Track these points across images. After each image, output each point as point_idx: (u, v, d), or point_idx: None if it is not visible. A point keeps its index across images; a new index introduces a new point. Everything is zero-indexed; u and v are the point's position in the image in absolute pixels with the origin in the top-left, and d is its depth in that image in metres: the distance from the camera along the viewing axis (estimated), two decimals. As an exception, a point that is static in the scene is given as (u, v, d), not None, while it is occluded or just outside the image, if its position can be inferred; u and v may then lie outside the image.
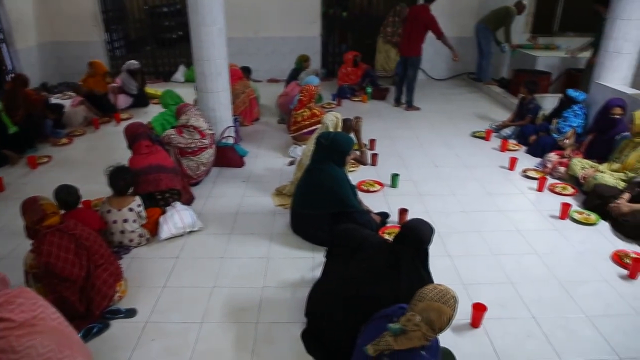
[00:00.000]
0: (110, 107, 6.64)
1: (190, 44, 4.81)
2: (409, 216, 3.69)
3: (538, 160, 5.00)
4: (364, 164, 4.55)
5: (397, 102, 7.21)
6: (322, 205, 3.38)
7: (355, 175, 4.58)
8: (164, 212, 3.65)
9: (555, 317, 2.82)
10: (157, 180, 3.68)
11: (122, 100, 6.96)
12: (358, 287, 2.38)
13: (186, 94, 5.75)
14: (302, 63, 7.26)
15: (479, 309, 2.69)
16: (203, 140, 4.38)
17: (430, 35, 6.69)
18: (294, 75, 7.10)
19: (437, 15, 6.69)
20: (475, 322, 2.72)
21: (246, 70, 7.06)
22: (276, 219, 3.89)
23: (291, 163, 4.84)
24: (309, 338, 2.61)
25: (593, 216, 3.88)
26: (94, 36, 8.68)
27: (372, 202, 4.00)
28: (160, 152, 3.92)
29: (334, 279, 2.57)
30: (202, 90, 4.96)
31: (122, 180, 3.38)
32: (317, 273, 2.90)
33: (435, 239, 3.50)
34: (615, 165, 4.25)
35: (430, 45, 8.18)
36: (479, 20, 8.02)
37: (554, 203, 4.07)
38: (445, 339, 2.53)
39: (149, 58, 9.24)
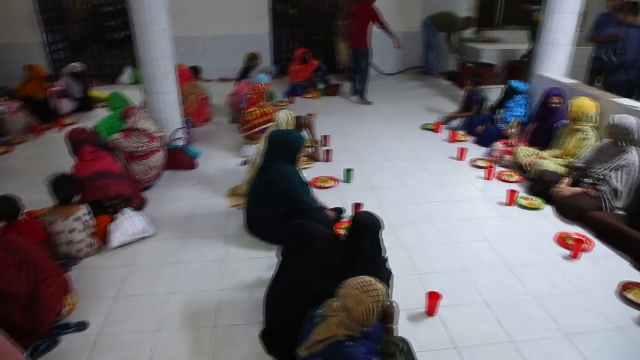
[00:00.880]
0: (51, 113, 6.35)
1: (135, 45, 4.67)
2: (365, 210, 3.73)
3: (485, 149, 5.18)
4: (317, 160, 4.57)
5: (354, 92, 7.37)
6: (275, 204, 3.37)
7: (310, 171, 4.59)
8: (113, 220, 3.53)
9: (505, 300, 2.93)
10: (105, 186, 3.55)
11: (66, 105, 6.67)
12: (312, 284, 2.39)
13: (134, 96, 5.57)
14: (250, 61, 7.19)
15: (433, 298, 2.76)
16: (152, 144, 4.27)
17: (378, 31, 6.85)
18: (244, 73, 7.02)
19: (384, 11, 6.88)
20: (430, 311, 2.78)
21: (195, 70, 6.92)
22: (230, 220, 3.84)
23: (244, 163, 4.79)
24: (268, 338, 2.60)
25: (538, 201, 4.06)
26: (31, 38, 8.27)
27: (327, 198, 4.02)
28: (106, 158, 3.78)
29: (289, 277, 2.57)
30: (149, 91, 4.83)
31: (64, 189, 3.23)
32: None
33: (389, 230, 3.63)
34: (556, 152, 4.46)
35: (379, 40, 8.30)
36: (426, 17, 8.19)
37: (501, 190, 4.21)
38: (402, 329, 2.59)
39: (93, 60, 8.89)
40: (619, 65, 5.54)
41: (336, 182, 4.41)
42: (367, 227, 2.39)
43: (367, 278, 1.91)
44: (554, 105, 4.71)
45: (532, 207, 4.00)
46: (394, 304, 2.05)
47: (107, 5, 9.60)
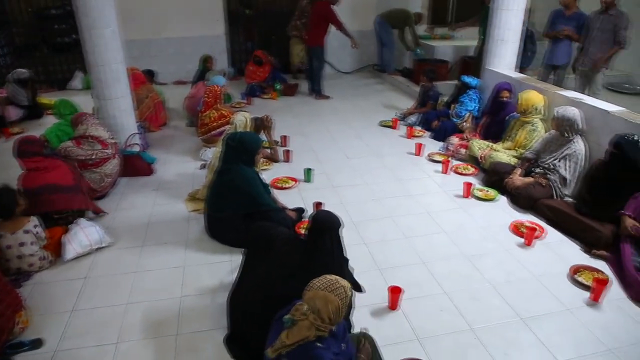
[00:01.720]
0: (-3, 121, 6.06)
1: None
2: (324, 208, 3.76)
3: (441, 144, 5.31)
4: (276, 161, 4.56)
5: (320, 94, 7.42)
6: (235, 207, 3.34)
7: (269, 173, 4.58)
8: (67, 231, 3.41)
9: (464, 290, 3.02)
10: (51, 201, 3.41)
11: (12, 113, 6.37)
12: (274, 286, 2.39)
13: (85, 102, 5.40)
14: (205, 63, 7.08)
15: (395, 292, 2.81)
16: (105, 151, 4.15)
17: (335, 29, 6.94)
18: (200, 76, 6.91)
19: (339, 10, 6.95)
20: (392, 305, 2.83)
21: (149, 74, 6.77)
22: (191, 225, 3.78)
23: (203, 166, 4.73)
24: (232, 343, 2.58)
25: (492, 192, 4.20)
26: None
27: (288, 199, 4.02)
28: (58, 169, 3.62)
29: (251, 280, 2.55)
30: (100, 97, 4.68)
31: (2, 203, 3.07)
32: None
33: (350, 228, 3.67)
34: (508, 144, 4.63)
35: (335, 39, 8.35)
36: (379, 14, 8.30)
37: (458, 183, 4.33)
38: (365, 324, 2.63)
39: (40, 65, 8.52)
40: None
41: (296, 182, 4.41)
42: (326, 226, 2.40)
43: (331, 277, 1.93)
44: (504, 99, 4.88)
45: (488, 198, 4.13)
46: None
47: (55, 8, 9.23)
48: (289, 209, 3.71)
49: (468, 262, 3.31)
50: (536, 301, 2.93)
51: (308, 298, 1.87)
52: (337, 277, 1.93)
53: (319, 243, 2.39)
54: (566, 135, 3.99)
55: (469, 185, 4.17)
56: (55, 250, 3.32)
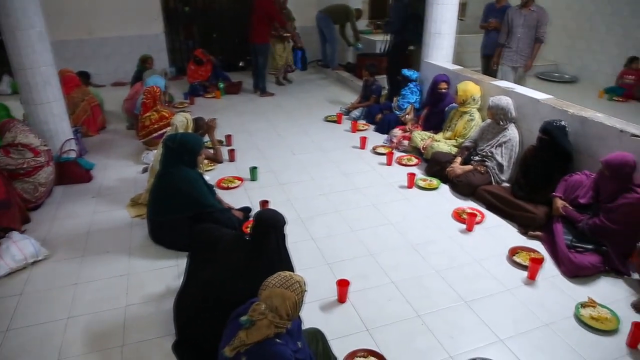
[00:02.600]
0: None
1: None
2: (271, 206, 3.74)
3: (385, 136, 5.42)
4: (220, 161, 4.50)
5: (264, 92, 7.37)
6: (178, 209, 3.26)
7: (214, 173, 4.51)
8: (-2, 245, 3.22)
9: (411, 278, 3.10)
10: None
11: None
12: (221, 288, 2.36)
13: (16, 107, 5.09)
14: (143, 64, 6.86)
15: (342, 285, 2.84)
16: (37, 159, 3.93)
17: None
18: (138, 76, 6.68)
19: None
20: (341, 298, 2.86)
21: (84, 76, 6.48)
22: (134, 232, 3.66)
23: (144, 170, 4.59)
24: (181, 349, 2.52)
25: (435, 181, 4.33)
26: None
27: (234, 199, 3.98)
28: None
29: (197, 284, 2.51)
30: (29, 102, 4.43)
31: None
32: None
33: (298, 224, 3.68)
34: (448, 134, 4.78)
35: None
36: (319, 10, 8.33)
37: (402, 174, 4.44)
38: (315, 318, 2.65)
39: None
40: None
41: (242, 182, 4.37)
42: (270, 224, 2.39)
43: (285, 273, 1.92)
44: (442, 90, 5.03)
45: (430, 187, 4.26)
46: None
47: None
48: (235, 209, 3.67)
49: (413, 250, 3.40)
50: (478, 284, 3.05)
51: (265, 297, 1.85)
52: (291, 273, 1.94)
53: (264, 242, 2.38)
54: (501, 123, 4.17)
55: (412, 175, 4.28)
56: (-14, 267, 3.12)
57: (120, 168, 4.82)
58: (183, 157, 3.28)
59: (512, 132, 4.13)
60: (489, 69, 6.41)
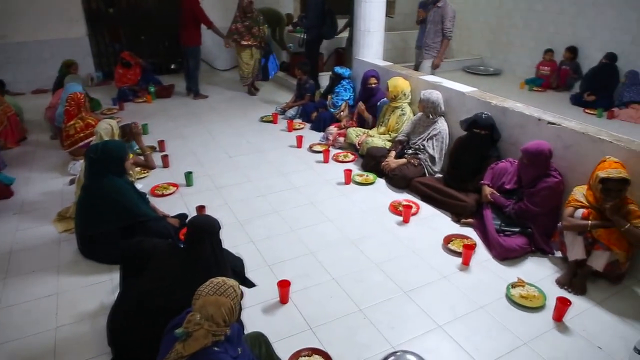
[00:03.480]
0: None
1: None
2: (208, 211, 3.67)
3: (321, 134, 5.46)
4: (152, 167, 4.34)
5: (197, 94, 7.17)
6: (109, 222, 3.12)
7: (147, 180, 4.36)
8: None
9: (351, 273, 3.14)
10: None
11: None
12: (158, 299, 2.28)
13: None
14: (65, 69, 6.48)
15: (283, 286, 2.83)
16: (-53, 176, 3.63)
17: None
18: (60, 83, 6.31)
19: (211, 8, 6.79)
20: (283, 299, 2.85)
21: (-2, 84, 6.04)
22: (63, 248, 3.46)
23: (72, 182, 4.34)
24: (118, 366, 2.42)
25: (371, 176, 4.42)
26: None
27: (170, 206, 3.86)
28: None
29: (132, 297, 2.41)
30: None
31: None
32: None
33: (237, 227, 3.63)
34: (381, 129, 4.89)
35: (209, 37, 8.13)
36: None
37: (339, 171, 4.48)
38: (257, 322, 2.64)
39: None
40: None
41: (177, 188, 4.24)
42: (204, 230, 2.34)
43: (218, 279, 1.88)
44: (372, 85, 5.13)
45: (367, 182, 4.34)
46: None
47: None
48: (170, 217, 3.56)
49: (352, 245, 3.45)
50: (416, 274, 3.14)
51: (199, 307, 1.80)
52: (223, 278, 1.89)
53: (200, 249, 2.33)
54: (431, 117, 4.31)
55: (349, 172, 4.34)
56: None
57: (44, 181, 4.53)
58: (109, 165, 3.13)
59: (441, 125, 4.29)
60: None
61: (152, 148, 5.04)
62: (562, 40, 7.62)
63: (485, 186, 3.62)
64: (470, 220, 3.68)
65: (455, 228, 3.67)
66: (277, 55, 8.74)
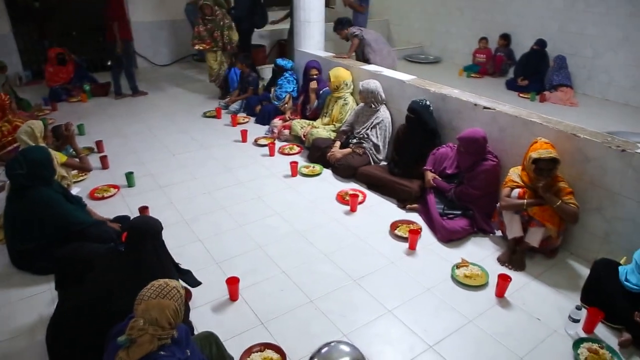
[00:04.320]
0: None
1: None
2: (152, 212, 3.56)
3: (266, 127, 5.41)
4: (89, 169, 4.13)
5: (119, 94, 6.75)
6: (43, 234, 2.93)
7: (85, 183, 4.16)
8: None
9: (301, 265, 3.14)
10: None
11: None
12: (100, 307, 2.19)
13: None
14: (0, 70, 6.08)
15: (232, 282, 2.80)
16: None
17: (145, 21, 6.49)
18: (-18, 84, 5.91)
19: (146, 2, 6.47)
20: (233, 296, 2.82)
21: None
22: (-7, 259, 3.25)
23: (1, 188, 4.08)
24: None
25: (317, 167, 4.43)
26: None
27: (111, 209, 3.71)
28: None
29: (71, 307, 2.30)
30: None
31: None
32: (55, 305, 2.55)
33: (183, 226, 3.55)
34: (326, 119, 4.91)
35: (145, 32, 7.89)
36: (188, 2, 8.02)
37: (285, 164, 4.47)
38: (208, 322, 2.60)
39: None
40: None
41: (118, 189, 4.08)
42: (145, 231, 2.26)
43: (159, 282, 1.82)
44: (314, 76, 5.14)
45: (313, 173, 4.35)
46: None
47: None
48: (110, 220, 3.41)
49: (302, 237, 3.45)
50: (364, 261, 3.19)
51: (141, 311, 1.74)
52: (165, 279, 1.84)
53: (141, 251, 2.25)
54: (372, 106, 4.37)
55: (295, 164, 4.33)
56: None
57: (-30, 190, 4.23)
58: (36, 172, 2.90)
59: (383, 113, 4.35)
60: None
61: (90, 149, 4.82)
62: (496, 28, 7.92)
63: (428, 172, 3.72)
64: (415, 205, 3.77)
65: (401, 214, 3.75)
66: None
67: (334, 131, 4.71)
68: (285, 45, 7.59)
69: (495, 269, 3.07)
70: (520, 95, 6.87)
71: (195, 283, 2.73)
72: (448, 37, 8.93)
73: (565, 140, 3.17)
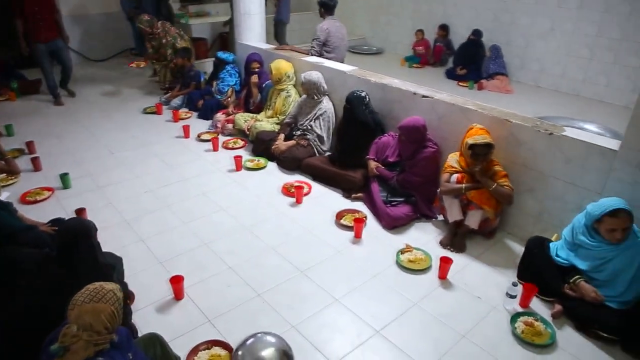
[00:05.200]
0: None
1: None
2: (90, 213, 3.42)
3: (209, 122, 5.31)
4: (16, 172, 3.88)
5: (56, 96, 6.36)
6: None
7: (15, 188, 3.92)
8: None
9: (247, 260, 3.12)
10: None
11: None
12: (34, 316, 2.08)
13: None
14: None
15: (176, 281, 2.73)
16: None
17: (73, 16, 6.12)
18: None
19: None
20: (177, 295, 2.75)
21: None
22: None
23: None
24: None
25: (262, 161, 4.40)
26: None
27: (44, 212, 3.51)
28: None
29: (3, 317, 2.17)
30: None
31: None
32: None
33: (124, 227, 3.44)
34: (269, 112, 4.87)
35: (78, 26, 7.53)
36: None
37: (229, 158, 4.40)
38: (152, 323, 2.54)
39: None
40: None
41: (52, 192, 3.87)
42: (77, 234, 2.17)
43: (94, 285, 1.75)
44: (255, 70, 5.08)
45: (258, 167, 4.32)
46: None
47: None
48: (44, 224, 3.24)
49: (248, 232, 3.42)
50: (311, 252, 3.20)
51: (75, 317, 1.67)
52: (100, 282, 1.77)
53: (75, 255, 2.15)
54: (315, 97, 4.38)
55: (239, 158, 4.28)
56: None
57: None
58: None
59: (326, 104, 4.37)
60: (281, 33, 7.25)
61: (20, 151, 4.55)
62: (435, 19, 8.14)
63: (371, 161, 3.78)
64: (359, 194, 3.82)
65: (347, 204, 3.80)
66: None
67: (277, 124, 4.68)
68: (226, 38, 7.46)
69: (438, 252, 3.17)
70: (459, 84, 7.10)
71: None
72: (390, 29, 9.08)
73: (498, 125, 3.31)
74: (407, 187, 3.56)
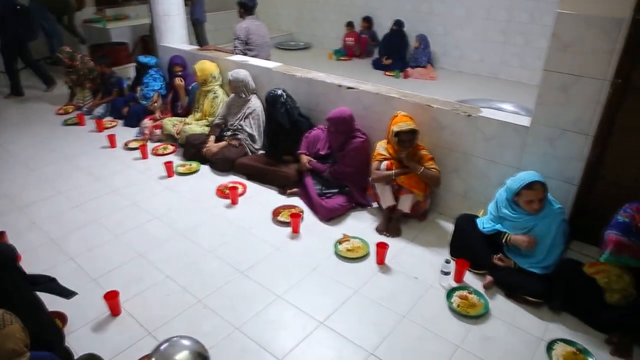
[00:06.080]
0: None
1: None
2: (10, 237, 3.21)
3: (136, 129, 5.12)
4: None
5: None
6: None
7: None
8: None
9: (185, 266, 3.05)
10: None
11: None
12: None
13: None
14: None
15: (111, 297, 2.63)
16: None
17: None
18: None
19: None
20: (113, 310, 2.65)
21: None
22: None
23: None
24: None
25: (194, 164, 4.31)
26: None
27: (-42, 240, 3.27)
28: None
29: None
30: None
31: None
32: None
33: (50, 247, 3.27)
34: (198, 115, 4.78)
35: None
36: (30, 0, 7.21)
37: (159, 165, 4.28)
38: (88, 343, 2.44)
39: None
40: None
41: (-36, 217, 3.61)
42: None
43: None
44: (178, 73, 4.97)
45: (191, 171, 4.23)
46: None
47: None
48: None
49: (184, 238, 3.35)
50: (250, 252, 3.19)
51: None
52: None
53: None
54: (243, 95, 4.34)
55: (170, 164, 4.17)
56: None
57: None
58: None
59: (255, 102, 4.35)
60: (201, 34, 7.41)
61: None
62: (358, 12, 8.29)
63: (303, 155, 3.81)
64: (295, 190, 3.84)
65: (283, 200, 3.81)
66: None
67: (207, 126, 4.60)
68: (148, 41, 7.21)
69: (375, 239, 3.24)
70: (386, 73, 7.28)
71: (67, 292, 2.52)
72: (315, 23, 9.15)
73: (421, 111, 3.44)
74: (340, 178, 3.62)
